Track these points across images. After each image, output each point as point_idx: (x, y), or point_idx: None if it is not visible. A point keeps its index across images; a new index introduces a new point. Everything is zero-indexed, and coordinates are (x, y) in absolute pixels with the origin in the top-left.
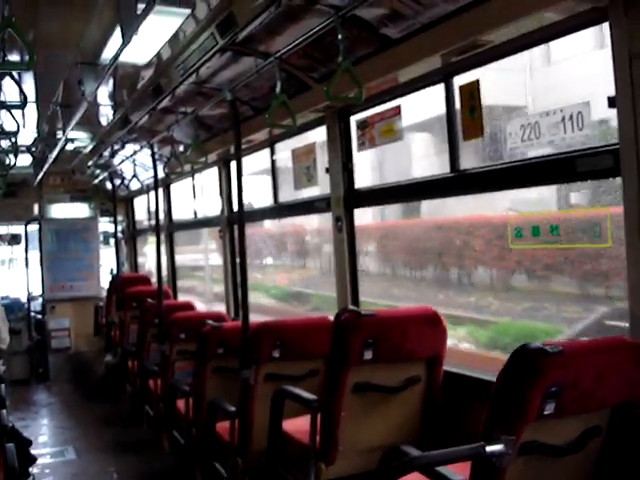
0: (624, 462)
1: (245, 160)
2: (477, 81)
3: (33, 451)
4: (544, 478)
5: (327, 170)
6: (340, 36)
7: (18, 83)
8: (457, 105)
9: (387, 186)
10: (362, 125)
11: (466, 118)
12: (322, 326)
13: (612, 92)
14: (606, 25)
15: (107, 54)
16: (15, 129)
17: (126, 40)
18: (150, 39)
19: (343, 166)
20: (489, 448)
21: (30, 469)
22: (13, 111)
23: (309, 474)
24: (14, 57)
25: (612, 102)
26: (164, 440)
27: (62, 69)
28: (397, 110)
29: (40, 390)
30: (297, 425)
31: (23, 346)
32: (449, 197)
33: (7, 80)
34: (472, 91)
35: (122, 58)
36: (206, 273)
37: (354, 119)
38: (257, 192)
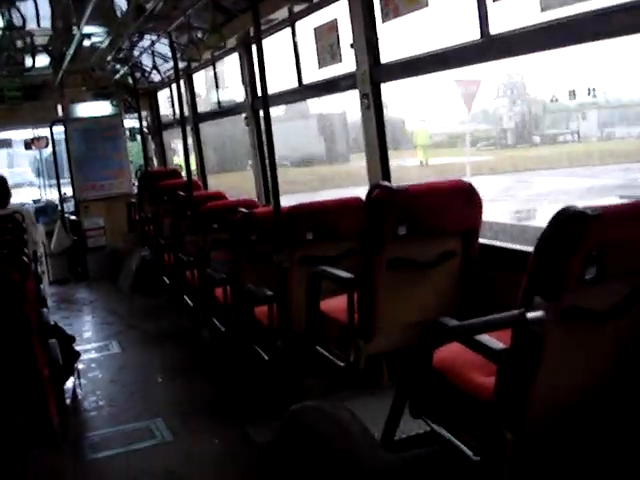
0: None
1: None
2: None
3: (78, 347)
4: (587, 345)
5: (351, 46)
6: None
7: None
8: None
9: (414, 58)
10: None
11: None
12: (354, 206)
13: None
14: None
15: None
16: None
17: None
18: None
19: (367, 40)
20: (530, 314)
21: (74, 365)
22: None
23: (349, 351)
24: None
25: None
26: (204, 328)
27: None
28: None
29: (81, 289)
30: (334, 304)
31: None
32: (479, 63)
33: None
34: None
35: None
36: None
37: None
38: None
